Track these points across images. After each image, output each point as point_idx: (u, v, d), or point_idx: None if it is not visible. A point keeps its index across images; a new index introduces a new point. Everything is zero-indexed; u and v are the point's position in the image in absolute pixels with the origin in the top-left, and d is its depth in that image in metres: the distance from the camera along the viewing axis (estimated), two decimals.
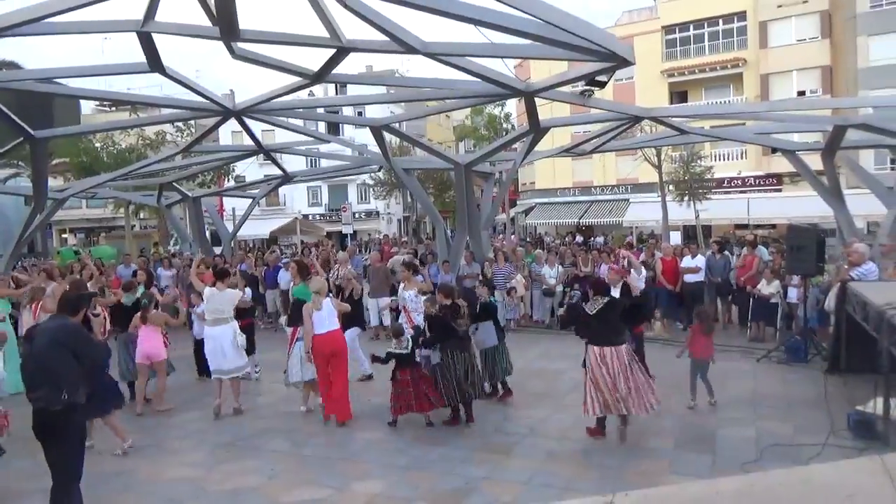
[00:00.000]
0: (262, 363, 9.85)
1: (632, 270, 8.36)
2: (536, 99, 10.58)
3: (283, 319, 8.34)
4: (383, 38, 7.67)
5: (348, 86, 33.07)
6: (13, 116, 10.20)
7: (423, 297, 8.08)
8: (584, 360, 6.64)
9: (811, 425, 6.60)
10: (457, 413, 7.21)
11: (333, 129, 37.22)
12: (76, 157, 28.15)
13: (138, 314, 8.30)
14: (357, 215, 41.20)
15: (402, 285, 9.05)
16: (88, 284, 9.66)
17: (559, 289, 13.21)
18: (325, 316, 7.38)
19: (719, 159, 31.60)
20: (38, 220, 14.36)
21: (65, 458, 4.70)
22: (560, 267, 13.45)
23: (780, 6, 30.44)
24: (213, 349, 7.93)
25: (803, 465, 5.22)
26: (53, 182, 18.35)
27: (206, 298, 8.07)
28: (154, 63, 8.65)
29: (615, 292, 7.34)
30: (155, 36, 8.09)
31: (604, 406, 6.36)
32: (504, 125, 37.92)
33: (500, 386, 8.16)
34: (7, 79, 10.69)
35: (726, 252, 12.88)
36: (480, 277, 12.52)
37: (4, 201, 26.25)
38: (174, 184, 17.88)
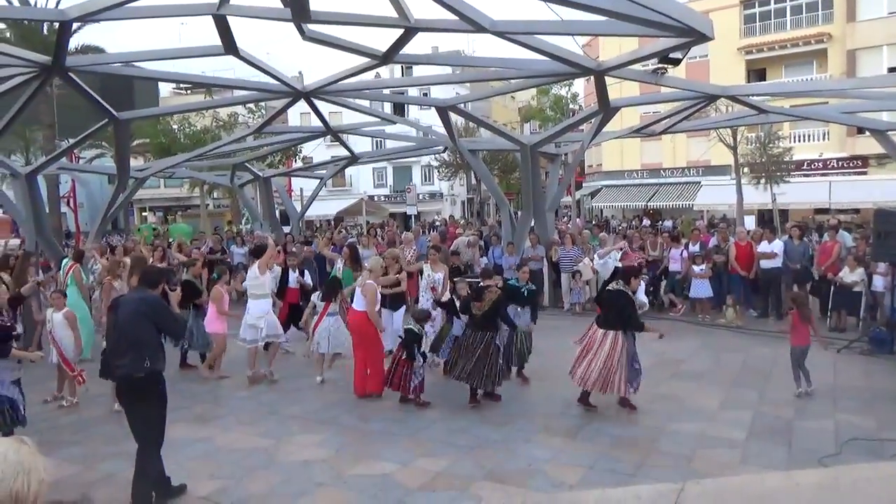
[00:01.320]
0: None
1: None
2: (606, 78, 10.30)
3: (315, 295, 8.66)
4: (451, 17, 7.61)
5: (414, 67, 33.17)
6: (99, 98, 10.67)
7: (457, 280, 8.33)
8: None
9: None
10: (474, 394, 7.30)
11: (399, 110, 37.42)
12: (155, 137, 29.35)
13: (216, 286, 8.72)
14: (421, 196, 41.45)
15: (427, 266, 9.17)
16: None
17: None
18: (358, 294, 7.77)
19: (799, 140, 30.07)
20: (122, 199, 15.04)
21: (147, 423, 4.93)
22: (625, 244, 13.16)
23: None
24: (254, 319, 8.40)
25: (887, 461, 4.96)
26: (134, 162, 19.21)
27: (249, 275, 8.65)
28: (229, 45, 8.86)
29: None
30: (229, 19, 8.29)
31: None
32: (570, 106, 37.22)
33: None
34: (93, 62, 11.18)
35: (805, 238, 12.29)
36: (546, 260, 12.41)
37: (91, 180, 27.68)
38: (246, 164, 18.40)
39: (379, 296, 8.01)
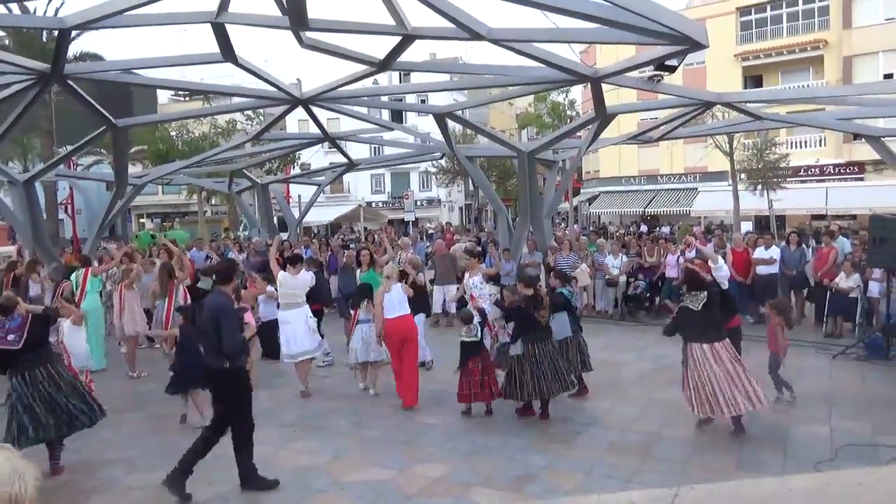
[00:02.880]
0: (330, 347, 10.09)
1: (710, 263, 7.69)
2: (602, 85, 10.37)
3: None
4: (448, 24, 7.68)
5: (411, 74, 33.29)
6: (97, 105, 10.72)
7: (490, 283, 8.09)
8: (684, 360, 6.49)
9: (891, 425, 6.30)
10: (530, 404, 7.04)
11: (397, 116, 37.53)
12: (153, 144, 29.41)
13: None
14: (419, 203, 41.52)
15: (467, 273, 9.04)
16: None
17: (622, 279, 12.97)
18: (395, 301, 7.49)
19: (796, 146, 30.18)
20: (120, 205, 15.08)
21: (234, 413, 5.36)
22: (624, 257, 13.21)
23: None
24: (286, 333, 8.16)
25: (879, 466, 4.99)
26: (132, 169, 19.24)
27: (280, 283, 8.29)
28: (227, 53, 8.92)
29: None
30: (227, 27, 8.35)
31: (703, 407, 6.17)
32: (568, 112, 37.33)
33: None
34: (92, 70, 11.24)
35: (802, 244, 12.33)
36: (543, 266, 12.43)
37: (88, 187, 27.69)
38: (244, 171, 18.45)
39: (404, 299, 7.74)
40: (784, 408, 7.03)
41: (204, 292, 9.01)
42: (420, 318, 8.85)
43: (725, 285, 7.07)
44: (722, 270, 7.10)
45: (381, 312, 7.49)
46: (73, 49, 19.58)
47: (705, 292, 6.30)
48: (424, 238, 18.88)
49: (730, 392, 6.03)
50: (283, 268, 8.33)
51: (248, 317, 8.35)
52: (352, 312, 8.34)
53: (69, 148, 14.45)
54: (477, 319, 7.65)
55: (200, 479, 5.38)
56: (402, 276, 8.79)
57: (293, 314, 8.13)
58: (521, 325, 6.92)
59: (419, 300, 8.84)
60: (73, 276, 9.98)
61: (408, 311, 7.57)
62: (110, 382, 8.91)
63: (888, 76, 27.56)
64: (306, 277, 8.38)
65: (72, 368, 7.29)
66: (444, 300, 12.46)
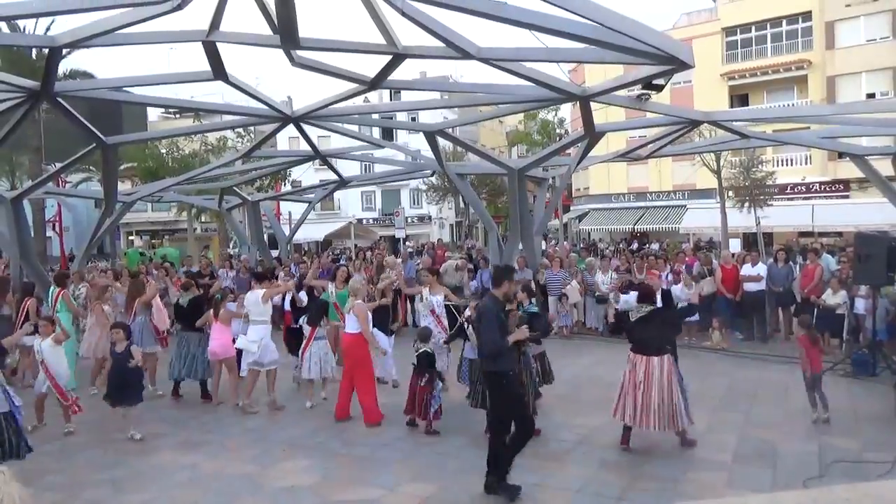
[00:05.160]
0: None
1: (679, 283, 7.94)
2: (591, 103, 10.48)
3: (303, 319, 8.59)
4: (439, 43, 7.75)
5: (402, 92, 33.51)
6: (87, 123, 10.70)
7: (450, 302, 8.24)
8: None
9: (880, 442, 6.34)
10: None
11: (388, 134, 37.68)
12: (143, 161, 29.33)
13: (211, 311, 8.58)
14: (409, 220, 41.56)
15: (426, 289, 9.02)
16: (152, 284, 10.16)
17: (612, 296, 13.00)
18: (350, 317, 7.70)
19: (782, 164, 30.56)
20: (108, 223, 15.00)
21: (503, 411, 5.52)
22: (614, 274, 13.25)
23: (848, 5, 29.28)
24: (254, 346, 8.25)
25: (867, 482, 5.01)
26: (121, 186, 19.16)
27: (247, 301, 8.48)
28: (218, 71, 8.94)
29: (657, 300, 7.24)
30: (218, 45, 8.38)
31: (628, 414, 6.36)
32: (557, 130, 37.66)
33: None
34: (82, 88, 11.23)
35: (790, 261, 12.43)
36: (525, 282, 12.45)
37: (77, 204, 27.54)
38: (234, 188, 18.42)
39: (370, 316, 7.94)
40: (824, 428, 6.97)
41: (183, 309, 8.96)
42: (382, 336, 8.76)
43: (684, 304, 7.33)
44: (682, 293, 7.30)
45: (368, 326, 7.63)
46: (63, 66, 19.61)
47: (651, 308, 6.50)
48: (414, 256, 18.82)
49: (653, 405, 6.17)
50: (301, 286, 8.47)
51: (227, 342, 8.40)
52: (307, 329, 8.36)
53: (58, 165, 14.37)
54: (442, 337, 7.91)
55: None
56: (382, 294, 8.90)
57: (259, 329, 8.23)
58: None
59: (384, 315, 9.04)
60: (50, 292, 9.98)
61: (358, 329, 7.63)
62: (97, 402, 8.81)
63: (870, 96, 28.06)
64: (258, 292, 8.40)
65: (60, 391, 7.23)
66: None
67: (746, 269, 12.06)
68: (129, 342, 7.47)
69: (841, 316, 10.59)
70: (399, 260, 14.87)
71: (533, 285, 8.80)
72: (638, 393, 6.27)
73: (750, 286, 11.85)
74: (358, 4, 7.16)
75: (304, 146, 14.82)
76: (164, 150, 30.45)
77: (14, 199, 13.18)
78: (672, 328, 6.83)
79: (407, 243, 30.82)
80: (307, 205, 20.81)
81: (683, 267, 12.81)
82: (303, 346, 8.28)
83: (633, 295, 6.90)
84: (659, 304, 7.04)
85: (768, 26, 32.30)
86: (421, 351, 7.37)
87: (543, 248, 17.99)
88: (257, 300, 8.33)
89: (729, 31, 33.21)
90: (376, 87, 9.63)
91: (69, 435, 7.34)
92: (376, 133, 30.15)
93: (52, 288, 10.38)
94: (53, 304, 9.86)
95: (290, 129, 12.60)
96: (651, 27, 6.95)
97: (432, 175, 29.70)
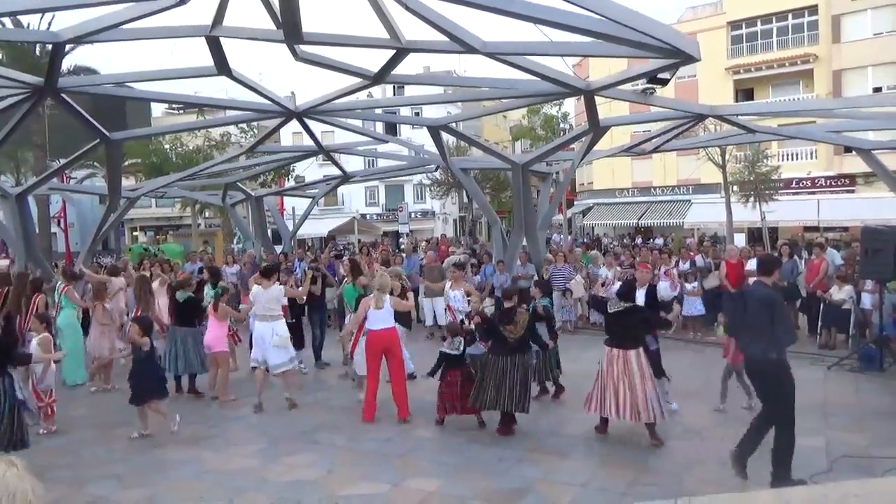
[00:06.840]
0: (307, 359, 9.98)
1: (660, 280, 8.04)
2: (595, 98, 10.43)
3: (349, 317, 8.48)
4: (442, 38, 7.71)
5: (406, 86, 33.44)
6: (91, 119, 10.69)
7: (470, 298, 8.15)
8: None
9: (887, 437, 6.30)
10: (506, 420, 6.94)
11: (391, 129, 37.61)
12: (147, 157, 29.33)
13: (212, 303, 8.56)
14: (413, 215, 41.52)
15: (448, 284, 9.05)
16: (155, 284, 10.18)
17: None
18: (384, 313, 7.50)
19: (787, 159, 30.40)
20: (113, 219, 15.01)
21: (773, 403, 5.41)
22: (618, 268, 13.22)
23: None
24: (257, 339, 8.19)
25: (876, 477, 4.98)
26: (125, 182, 19.16)
27: (253, 297, 8.34)
28: (222, 66, 8.93)
29: (640, 293, 7.40)
30: (222, 40, 8.36)
31: (599, 406, 6.50)
32: (561, 125, 37.52)
33: (549, 385, 8.15)
34: (86, 83, 11.23)
35: (794, 256, 12.37)
36: (535, 278, 12.43)
37: (81, 200, 27.60)
38: (238, 183, 18.42)
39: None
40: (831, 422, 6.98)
41: (182, 305, 8.91)
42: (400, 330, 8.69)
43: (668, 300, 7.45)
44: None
45: (358, 320, 7.59)
46: (67, 62, 19.58)
47: (627, 305, 6.64)
48: (416, 250, 18.77)
49: (625, 397, 6.31)
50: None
51: (222, 336, 8.35)
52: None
53: (62, 161, 14.38)
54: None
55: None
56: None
57: (266, 327, 8.10)
58: (490, 337, 7.14)
59: (405, 314, 8.91)
60: (56, 288, 9.97)
61: (393, 324, 7.58)
62: (102, 398, 8.84)
63: (877, 89, 27.87)
64: (278, 290, 8.33)
65: (35, 391, 7.19)
66: (435, 312, 12.43)
67: (752, 264, 11.98)
68: (150, 343, 7.33)
69: (847, 311, 10.55)
70: (404, 255, 14.88)
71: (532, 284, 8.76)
72: (609, 384, 6.44)
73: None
74: None
75: (307, 141, 14.79)
76: (167, 146, 30.45)
77: (19, 196, 13.21)
78: (645, 328, 6.83)
79: (401, 239, 30.84)
80: (311, 200, 20.79)
81: (675, 270, 12.62)
82: (352, 342, 8.11)
83: (618, 285, 7.06)
84: (641, 301, 7.25)
85: (774, 20, 32.08)
86: (442, 350, 7.29)
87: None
88: (276, 297, 8.20)
89: (734, 24, 33.01)
90: (380, 82, 9.60)
91: (45, 434, 7.17)
92: (380, 128, 30.10)
93: (58, 283, 10.40)
94: (59, 297, 9.86)
95: (294, 125, 12.57)
96: (657, 20, 6.91)
97: (436, 170, 29.71)
